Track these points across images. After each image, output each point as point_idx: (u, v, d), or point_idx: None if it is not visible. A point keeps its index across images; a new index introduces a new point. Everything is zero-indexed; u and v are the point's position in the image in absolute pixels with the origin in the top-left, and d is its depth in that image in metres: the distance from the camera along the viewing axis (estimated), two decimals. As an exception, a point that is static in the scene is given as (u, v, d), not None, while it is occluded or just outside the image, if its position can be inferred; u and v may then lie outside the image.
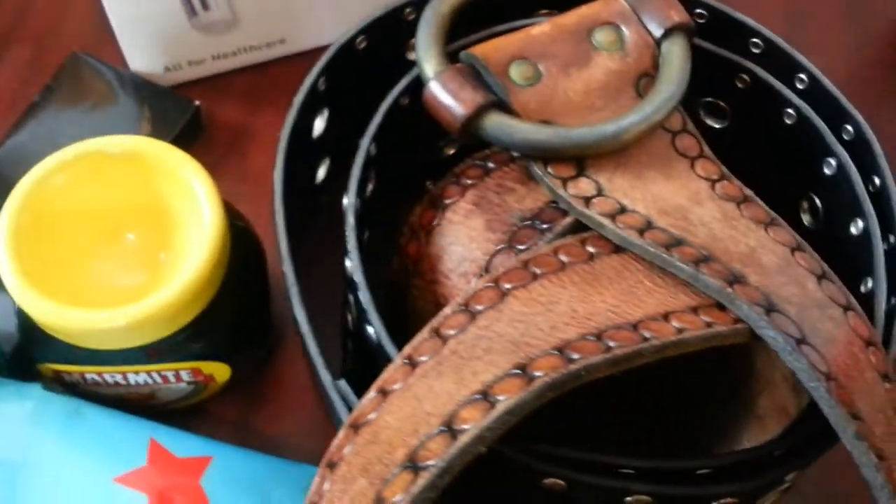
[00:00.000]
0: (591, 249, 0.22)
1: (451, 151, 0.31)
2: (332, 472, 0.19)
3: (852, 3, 0.39)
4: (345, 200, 0.25)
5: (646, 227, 0.22)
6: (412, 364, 0.20)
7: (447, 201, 0.26)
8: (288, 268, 0.24)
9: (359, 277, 0.23)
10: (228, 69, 0.36)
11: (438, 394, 0.18)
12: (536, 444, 0.21)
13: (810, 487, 0.30)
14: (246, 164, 0.35)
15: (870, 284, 0.24)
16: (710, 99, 0.29)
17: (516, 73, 0.24)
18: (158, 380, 0.26)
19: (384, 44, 0.28)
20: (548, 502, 0.22)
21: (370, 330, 0.23)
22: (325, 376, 0.22)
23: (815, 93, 0.27)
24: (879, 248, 0.25)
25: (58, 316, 0.24)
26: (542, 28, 0.25)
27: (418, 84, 0.25)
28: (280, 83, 0.36)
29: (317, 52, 0.29)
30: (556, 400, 0.30)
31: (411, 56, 0.29)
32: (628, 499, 0.21)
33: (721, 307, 0.21)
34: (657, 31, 0.25)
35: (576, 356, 0.18)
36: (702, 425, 0.29)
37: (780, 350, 0.20)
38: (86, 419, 0.25)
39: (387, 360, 0.21)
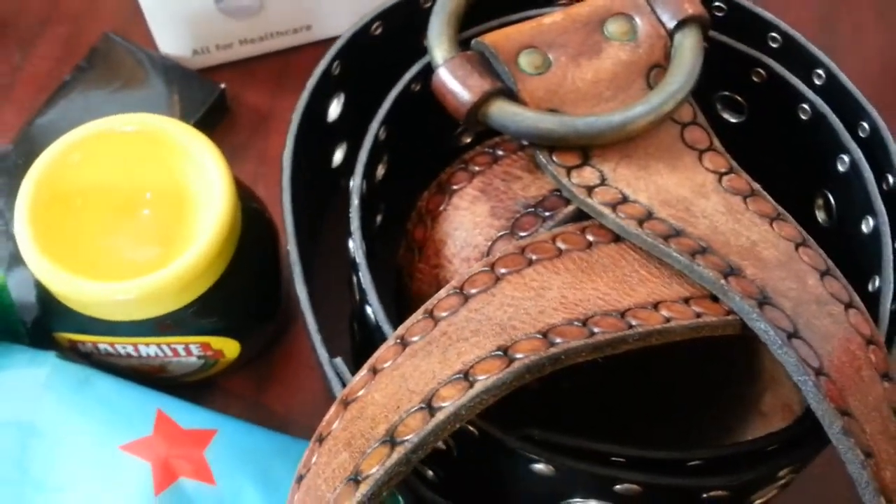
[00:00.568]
0: (590, 238, 0.22)
1: (468, 140, 0.32)
2: (321, 446, 0.20)
3: (886, 3, 0.39)
4: (351, 183, 0.25)
5: (646, 217, 0.22)
6: (403, 344, 0.20)
7: (455, 187, 0.26)
8: (292, 246, 0.24)
9: (360, 258, 0.24)
10: (255, 54, 0.36)
11: (423, 372, 0.19)
12: (527, 429, 0.21)
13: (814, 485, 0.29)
14: (268, 147, 0.35)
15: (877, 283, 0.24)
16: (727, 93, 0.29)
17: (526, 61, 0.24)
18: (169, 352, 0.27)
19: (401, 31, 0.28)
20: (538, 487, 0.22)
21: (369, 310, 0.23)
22: (322, 353, 0.23)
23: (832, 89, 0.27)
24: (888, 246, 0.24)
25: (72, 287, 0.24)
26: (553, 18, 0.25)
27: (430, 70, 0.25)
28: (305, 69, 0.36)
29: (343, 39, 0.30)
30: (568, 389, 0.31)
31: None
32: (618, 487, 0.21)
33: (715, 299, 0.21)
34: (670, 23, 0.25)
35: (558, 340, 0.18)
36: (708, 421, 0.29)
37: (770, 343, 0.20)
38: (96, 387, 0.26)
39: (384, 339, 0.22)
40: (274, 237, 0.29)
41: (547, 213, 0.24)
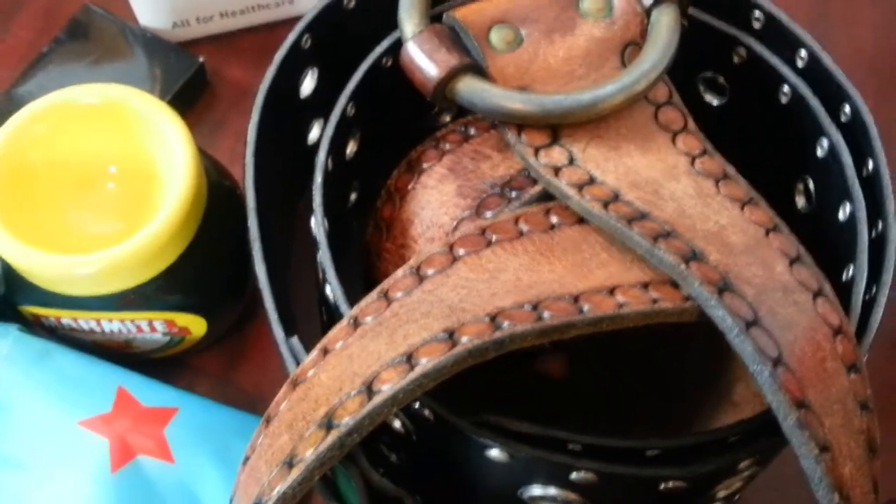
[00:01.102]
0: (553, 219, 0.22)
1: (448, 118, 0.31)
2: (266, 427, 0.19)
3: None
4: (316, 159, 0.25)
5: (612, 199, 0.22)
6: (356, 324, 0.20)
7: (424, 165, 0.26)
8: (252, 222, 0.24)
9: (321, 236, 0.23)
10: (237, 28, 0.36)
11: (369, 354, 0.18)
12: (482, 415, 0.21)
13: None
14: (247, 123, 0.35)
15: (851, 272, 0.24)
16: (709, 74, 0.28)
17: (497, 37, 0.24)
18: (133, 328, 0.26)
19: (378, 3, 0.28)
20: (496, 474, 0.22)
21: (328, 289, 0.23)
22: (279, 333, 0.22)
23: (814, 70, 0.26)
24: (864, 234, 0.24)
25: (31, 260, 0.24)
26: (527, -8, 0.24)
27: (400, 45, 0.25)
28: (288, 44, 0.36)
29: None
30: (546, 378, 0.30)
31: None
32: (573, 475, 0.21)
33: (675, 285, 0.20)
34: (647, 0, 0.24)
35: (505, 324, 0.18)
36: (681, 410, 0.29)
37: (727, 331, 0.19)
38: (57, 361, 0.26)
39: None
40: (245, 215, 0.28)
41: (513, 194, 0.24)
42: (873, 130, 0.25)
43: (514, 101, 0.23)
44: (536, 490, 0.22)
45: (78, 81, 0.33)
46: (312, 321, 0.27)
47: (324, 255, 0.23)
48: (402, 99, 0.28)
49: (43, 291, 0.25)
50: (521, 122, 0.23)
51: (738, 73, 0.27)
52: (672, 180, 0.23)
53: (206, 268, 0.26)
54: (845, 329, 0.21)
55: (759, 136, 0.28)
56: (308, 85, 0.28)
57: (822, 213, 0.26)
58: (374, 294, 0.21)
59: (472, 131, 0.26)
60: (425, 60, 0.23)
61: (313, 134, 0.30)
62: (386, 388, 0.17)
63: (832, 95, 0.26)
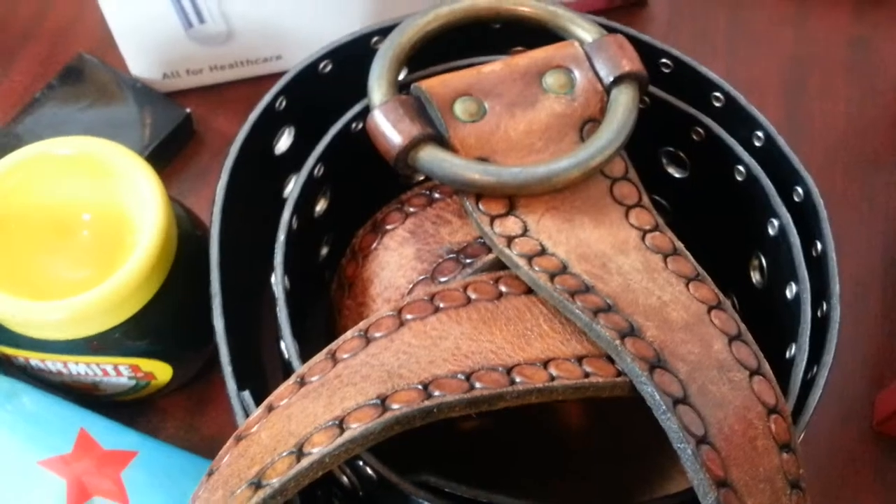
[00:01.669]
0: (502, 288, 0.23)
1: (421, 177, 0.32)
2: (207, 480, 0.20)
3: (857, 56, 0.39)
4: (281, 217, 0.26)
5: (560, 271, 0.23)
6: (301, 383, 0.21)
7: (388, 227, 0.27)
8: (215, 277, 0.24)
9: (279, 293, 0.24)
10: (225, 80, 0.37)
11: (307, 415, 0.19)
12: (422, 475, 0.22)
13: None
14: (230, 172, 0.36)
15: (793, 350, 0.24)
16: (671, 149, 0.29)
17: (461, 108, 0.25)
18: (99, 372, 0.27)
19: (351, 70, 0.29)
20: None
21: (282, 346, 0.24)
22: (231, 386, 0.23)
23: (770, 151, 0.27)
24: (807, 314, 0.24)
25: (1, 304, 0.25)
26: (493, 67, 0.25)
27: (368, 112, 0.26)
28: (275, 97, 0.37)
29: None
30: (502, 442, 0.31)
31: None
32: (508, 539, 0.21)
33: (610, 359, 0.21)
34: (607, 78, 0.25)
35: (436, 393, 0.19)
36: (635, 474, 0.29)
37: (654, 408, 0.20)
38: (22, 402, 0.26)
39: (293, 376, 0.22)
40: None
41: (468, 260, 0.25)
42: (823, 213, 0.26)
43: (472, 171, 0.24)
44: (473, 551, 0.23)
45: (68, 126, 0.34)
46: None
47: (280, 313, 0.24)
48: (374, 160, 0.29)
49: (12, 333, 0.26)
50: (479, 192, 0.24)
51: (698, 150, 0.28)
52: (621, 254, 0.23)
53: (172, 316, 0.27)
54: (781, 408, 0.22)
55: (719, 209, 0.29)
56: (284, 142, 0.29)
57: (772, 289, 0.27)
58: (322, 354, 0.21)
59: (437, 195, 0.27)
60: (390, 129, 0.24)
61: (289, 189, 0.31)
62: (315, 451, 0.18)
63: (786, 176, 0.27)
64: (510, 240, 0.23)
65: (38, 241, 0.27)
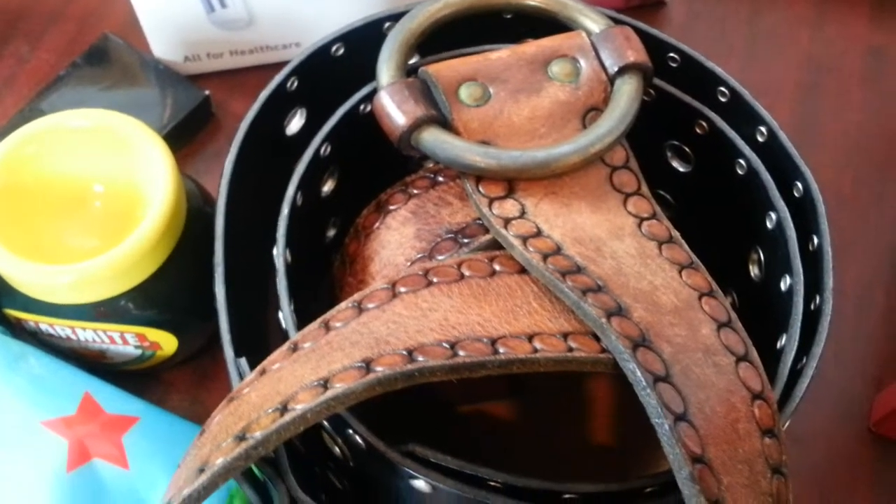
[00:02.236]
0: (496, 267, 0.23)
1: (431, 163, 0.32)
2: (199, 438, 0.21)
3: (873, 64, 0.39)
4: (287, 192, 0.26)
5: (553, 252, 0.23)
6: (294, 349, 0.21)
7: (391, 207, 0.27)
8: (218, 247, 0.25)
9: (280, 264, 0.25)
10: (245, 65, 0.38)
11: (295, 377, 0.20)
12: (409, 445, 0.22)
13: None
14: (246, 155, 0.37)
15: (784, 341, 0.24)
16: (675, 142, 0.30)
17: (466, 93, 0.25)
18: (105, 339, 0.28)
19: (363, 53, 0.29)
20: (419, 501, 0.23)
21: (280, 316, 0.24)
22: (229, 352, 0.24)
23: (772, 147, 0.27)
24: (799, 306, 0.24)
25: (13, 266, 0.26)
26: (500, 53, 0.26)
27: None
28: (293, 84, 0.38)
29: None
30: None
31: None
32: (490, 511, 0.22)
33: (596, 337, 0.21)
34: (612, 68, 0.26)
35: (420, 358, 0.19)
36: (638, 455, 0.29)
37: (635, 384, 0.20)
38: (30, 364, 0.27)
39: (289, 344, 0.22)
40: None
41: (465, 240, 0.25)
42: (821, 208, 0.26)
43: (473, 154, 0.24)
44: (460, 525, 0.23)
45: (91, 103, 0.35)
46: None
47: (280, 284, 0.24)
48: (381, 142, 0.29)
49: (24, 297, 0.27)
50: (479, 175, 0.24)
51: (701, 144, 0.28)
52: (616, 239, 0.24)
53: (178, 288, 0.28)
54: (766, 395, 0.22)
55: (721, 203, 0.29)
56: (296, 123, 0.30)
57: (769, 282, 0.27)
58: (316, 323, 0.22)
59: (441, 178, 0.27)
60: (394, 109, 0.25)
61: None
62: (298, 408, 0.18)
63: (787, 172, 0.27)
64: (507, 221, 0.24)
65: (51, 209, 0.27)
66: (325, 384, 0.19)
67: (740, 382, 0.22)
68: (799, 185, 0.26)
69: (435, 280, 0.22)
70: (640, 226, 0.24)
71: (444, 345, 0.20)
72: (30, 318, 0.28)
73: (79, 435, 0.26)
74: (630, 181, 0.25)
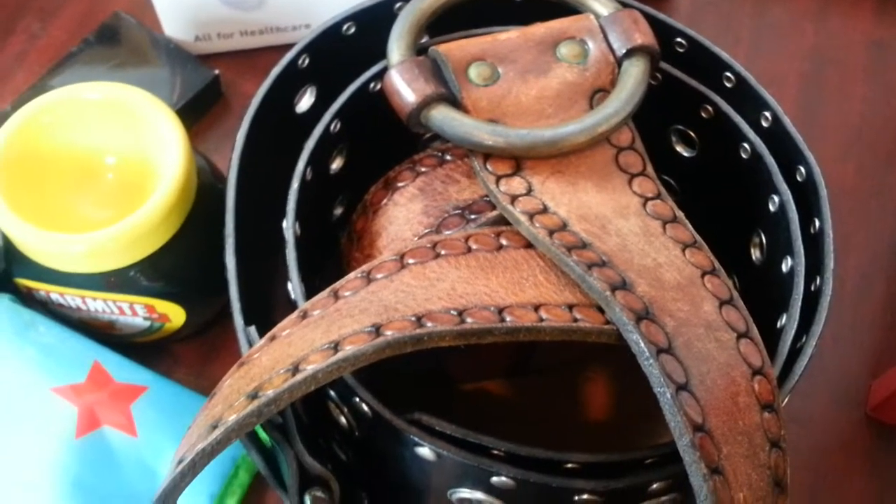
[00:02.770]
0: (503, 241, 0.23)
1: (440, 143, 0.33)
2: (209, 401, 0.21)
3: (876, 57, 0.39)
4: (297, 167, 0.27)
5: (559, 228, 0.23)
6: (304, 316, 0.22)
7: (399, 184, 0.28)
8: (229, 219, 0.25)
9: (289, 237, 0.25)
10: (255, 46, 0.38)
11: (306, 341, 0.20)
12: (414, 413, 0.22)
13: None
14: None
15: (784, 320, 0.25)
16: (680, 126, 0.30)
17: (475, 72, 0.26)
18: (115, 310, 0.28)
19: (374, 32, 0.30)
20: (427, 473, 0.23)
21: (290, 286, 0.25)
22: (239, 321, 0.24)
23: (776, 131, 0.28)
24: (800, 286, 0.25)
25: (25, 234, 0.26)
26: (510, 34, 0.26)
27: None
28: (302, 65, 0.38)
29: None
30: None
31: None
32: (494, 479, 0.22)
33: (600, 310, 0.21)
34: (620, 50, 0.26)
35: (428, 324, 0.20)
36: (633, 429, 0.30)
37: (638, 355, 0.20)
38: (40, 332, 0.28)
39: (298, 314, 0.23)
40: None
41: (472, 216, 0.25)
42: (823, 192, 0.26)
43: (481, 132, 0.25)
44: (464, 493, 0.23)
45: (100, 80, 0.35)
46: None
47: (290, 255, 0.25)
48: (391, 120, 0.30)
49: (36, 265, 0.27)
50: (487, 152, 0.25)
51: (706, 128, 0.29)
52: (621, 218, 0.24)
53: (187, 260, 0.28)
54: (766, 371, 0.22)
55: (724, 187, 0.29)
56: (306, 101, 0.30)
57: (770, 264, 0.27)
58: (325, 292, 0.22)
59: (448, 157, 0.28)
60: (404, 87, 0.25)
61: (309, 146, 0.32)
62: (309, 369, 0.19)
63: (791, 156, 0.27)
64: (514, 198, 0.24)
65: (64, 180, 0.28)
66: (335, 347, 0.19)
67: (741, 358, 0.22)
68: (802, 169, 0.27)
69: (443, 252, 0.23)
70: (644, 205, 0.25)
71: (452, 312, 0.20)
72: (41, 288, 0.28)
73: (88, 402, 0.27)
74: (636, 162, 0.26)
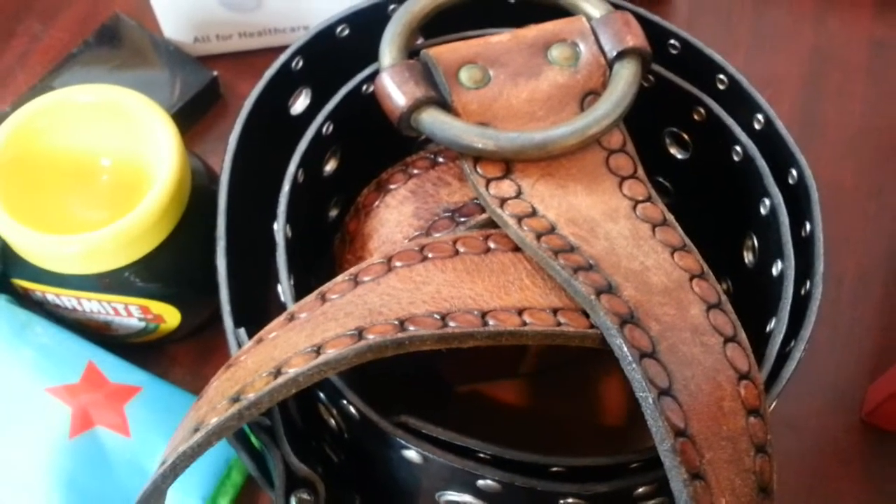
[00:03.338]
0: (491, 245, 0.23)
1: (433, 145, 0.33)
2: (196, 402, 0.21)
3: (876, 58, 0.39)
4: (288, 169, 0.27)
5: (547, 231, 0.23)
6: (291, 319, 0.22)
7: (391, 187, 0.28)
8: (221, 221, 0.26)
9: (280, 239, 0.25)
10: (254, 48, 0.38)
11: (290, 344, 0.20)
12: (401, 416, 0.23)
13: None
14: (252, 135, 0.37)
15: (773, 324, 0.25)
16: (674, 129, 0.30)
17: (466, 75, 0.26)
18: (110, 310, 0.29)
19: (368, 35, 0.30)
20: (414, 476, 0.24)
21: (279, 289, 0.25)
22: (228, 323, 0.24)
23: (768, 134, 0.27)
24: (789, 290, 0.25)
25: (21, 236, 0.26)
26: (501, 37, 0.26)
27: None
28: (300, 67, 0.38)
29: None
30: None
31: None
32: (479, 482, 0.22)
33: (585, 314, 0.21)
34: (611, 53, 0.26)
35: (411, 328, 0.20)
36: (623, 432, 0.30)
37: (621, 360, 0.20)
38: (35, 332, 0.28)
39: (289, 317, 0.23)
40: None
41: (462, 219, 0.26)
42: (815, 195, 0.26)
43: (471, 135, 0.25)
44: (452, 496, 0.24)
45: (101, 81, 0.35)
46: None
47: (280, 257, 0.25)
48: (383, 123, 0.30)
49: (32, 266, 0.28)
50: (477, 155, 0.25)
51: (699, 130, 0.29)
52: (610, 221, 0.24)
53: (182, 262, 0.28)
54: (753, 375, 0.22)
55: (717, 189, 0.29)
56: (301, 103, 0.31)
57: (762, 267, 0.27)
58: (313, 295, 0.22)
59: (440, 159, 0.28)
60: (395, 90, 0.25)
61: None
62: (291, 372, 0.19)
63: (783, 159, 0.27)
64: (503, 201, 0.24)
65: (60, 182, 0.28)
66: (317, 350, 0.19)
67: (727, 362, 0.22)
68: (794, 172, 0.27)
69: (430, 255, 0.23)
70: (634, 208, 0.25)
71: (436, 316, 0.20)
72: (37, 289, 0.28)
73: (82, 403, 0.27)
74: (626, 164, 0.26)
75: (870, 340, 0.33)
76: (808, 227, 0.26)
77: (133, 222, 0.26)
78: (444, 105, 0.25)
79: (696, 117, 0.28)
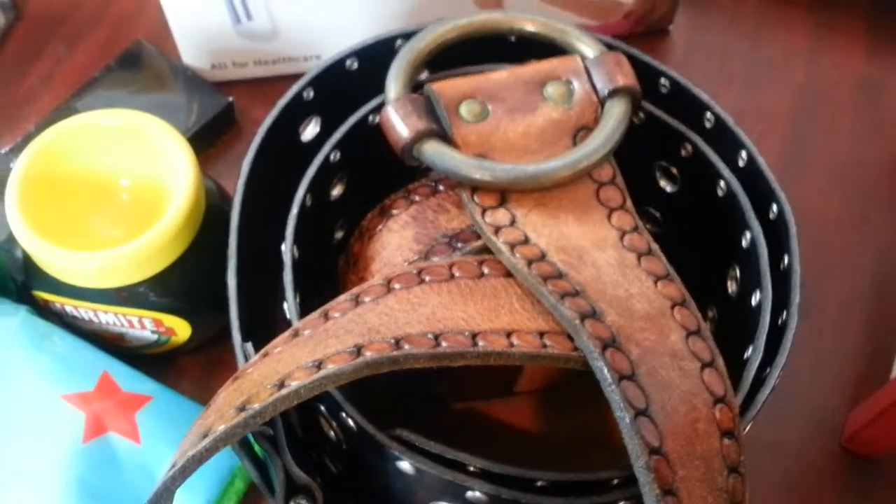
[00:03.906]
0: (485, 270, 0.25)
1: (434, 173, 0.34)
2: (204, 412, 0.23)
3: (866, 95, 0.41)
4: (297, 193, 0.28)
5: (538, 258, 0.25)
6: (296, 335, 0.23)
7: (394, 211, 0.29)
8: (232, 241, 0.27)
9: (287, 259, 0.27)
10: (269, 75, 0.40)
11: (294, 358, 0.22)
12: (396, 430, 0.24)
13: None
14: (264, 159, 0.39)
15: (750, 351, 0.26)
16: (664, 163, 0.31)
17: (466, 109, 0.27)
18: (125, 323, 0.30)
19: (375, 67, 0.31)
20: (408, 486, 0.25)
21: (285, 307, 0.26)
22: (237, 337, 0.26)
23: (751, 171, 0.29)
24: (766, 319, 0.26)
25: (44, 251, 0.28)
26: (500, 74, 0.28)
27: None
28: (312, 94, 0.40)
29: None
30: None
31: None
32: (468, 494, 0.24)
33: (570, 337, 0.23)
34: (603, 91, 0.28)
35: (406, 346, 0.21)
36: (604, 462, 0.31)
37: (602, 381, 0.22)
38: (54, 342, 0.29)
39: (295, 334, 0.24)
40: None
41: (459, 245, 0.27)
42: (793, 230, 0.28)
43: (469, 166, 0.26)
44: (444, 507, 0.25)
45: (122, 104, 0.37)
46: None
47: (286, 276, 0.26)
48: (388, 152, 0.31)
49: (52, 280, 0.29)
50: (475, 185, 0.26)
51: (686, 165, 0.30)
52: (598, 250, 0.26)
53: (194, 278, 0.30)
54: (728, 399, 0.24)
55: (704, 222, 0.31)
56: (311, 131, 0.32)
57: (743, 298, 0.29)
58: (317, 313, 0.24)
59: (441, 187, 0.29)
60: (399, 122, 0.27)
61: (312, 173, 0.34)
62: (294, 384, 0.20)
63: (764, 195, 0.29)
64: (498, 229, 0.26)
65: (81, 200, 0.30)
66: (319, 365, 0.21)
67: (704, 386, 0.23)
68: (774, 207, 0.28)
69: (427, 279, 0.24)
70: (622, 238, 0.26)
71: (429, 336, 0.22)
72: (56, 300, 0.30)
73: (95, 410, 0.28)
74: (615, 196, 0.27)
75: (851, 369, 0.35)
76: (786, 259, 0.27)
77: (150, 240, 0.28)
78: (445, 137, 0.27)
79: (683, 153, 0.30)
